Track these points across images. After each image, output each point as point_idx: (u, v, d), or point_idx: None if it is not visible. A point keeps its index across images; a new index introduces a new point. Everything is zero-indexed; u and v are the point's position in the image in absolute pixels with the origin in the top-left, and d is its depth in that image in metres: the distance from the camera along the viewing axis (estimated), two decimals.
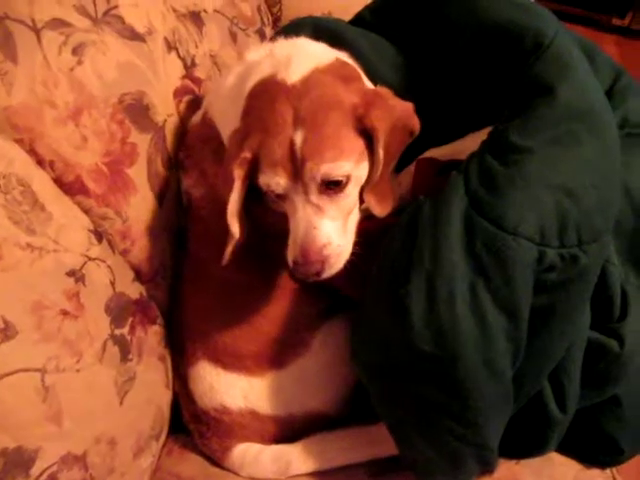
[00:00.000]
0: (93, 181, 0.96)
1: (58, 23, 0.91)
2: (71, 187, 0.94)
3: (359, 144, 0.92)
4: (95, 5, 0.97)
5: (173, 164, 1.14)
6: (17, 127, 0.86)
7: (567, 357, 0.96)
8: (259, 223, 1.02)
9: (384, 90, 0.97)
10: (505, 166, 0.89)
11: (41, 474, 0.84)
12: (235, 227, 0.95)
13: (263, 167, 0.90)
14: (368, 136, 0.92)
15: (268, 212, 1.00)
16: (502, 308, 0.85)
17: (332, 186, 0.89)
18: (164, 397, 1.15)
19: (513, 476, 1.04)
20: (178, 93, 1.15)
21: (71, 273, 0.90)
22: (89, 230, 0.96)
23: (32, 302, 0.83)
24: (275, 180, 0.89)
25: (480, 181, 0.90)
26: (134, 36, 1.04)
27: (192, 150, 1.12)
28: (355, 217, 0.98)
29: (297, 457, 1.09)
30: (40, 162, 0.90)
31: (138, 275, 1.09)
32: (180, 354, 1.16)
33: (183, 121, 1.17)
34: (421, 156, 1.11)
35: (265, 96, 0.92)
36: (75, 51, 0.93)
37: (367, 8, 1.27)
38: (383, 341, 0.91)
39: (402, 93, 0.98)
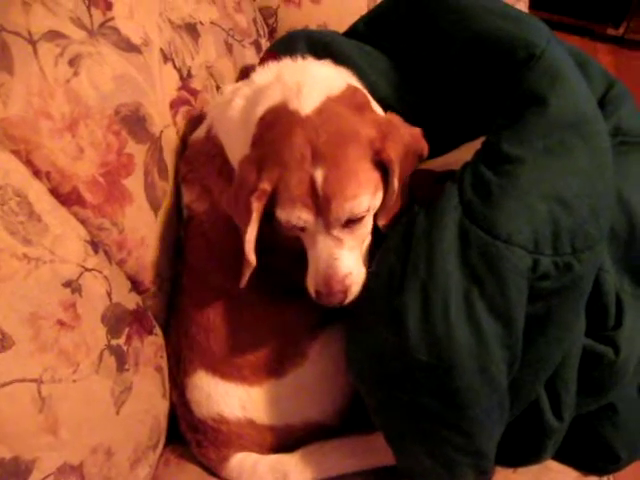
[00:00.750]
0: (89, 192, 0.97)
1: (54, 35, 0.91)
2: (67, 198, 0.94)
3: (375, 176, 0.94)
4: (91, 17, 0.98)
5: (170, 175, 1.14)
6: (13, 138, 0.86)
7: (563, 365, 0.96)
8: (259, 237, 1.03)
9: (395, 118, 0.99)
10: (498, 176, 0.90)
11: None
12: (252, 256, 0.96)
13: (282, 202, 0.91)
14: (383, 166, 0.93)
15: (272, 230, 1.01)
16: (497, 316, 0.86)
17: (353, 219, 0.92)
18: (161, 407, 1.14)
19: None
20: (174, 104, 1.16)
21: (67, 284, 0.90)
22: (85, 241, 0.96)
23: (28, 313, 0.83)
24: (296, 215, 0.90)
25: (474, 190, 0.90)
26: (130, 47, 1.05)
27: (194, 165, 1.12)
28: (368, 241, 1.00)
29: (295, 467, 1.08)
30: (36, 173, 0.90)
31: (134, 285, 1.09)
32: (178, 364, 1.16)
33: (180, 133, 1.17)
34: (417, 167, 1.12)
35: (279, 127, 0.93)
36: (71, 63, 0.93)
37: (361, 20, 1.28)
38: (378, 351, 0.92)
39: (396, 104, 0.99)
